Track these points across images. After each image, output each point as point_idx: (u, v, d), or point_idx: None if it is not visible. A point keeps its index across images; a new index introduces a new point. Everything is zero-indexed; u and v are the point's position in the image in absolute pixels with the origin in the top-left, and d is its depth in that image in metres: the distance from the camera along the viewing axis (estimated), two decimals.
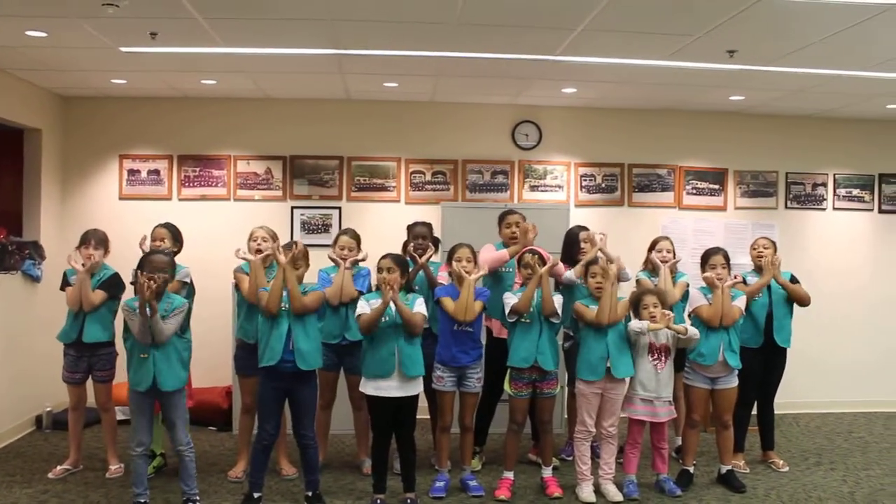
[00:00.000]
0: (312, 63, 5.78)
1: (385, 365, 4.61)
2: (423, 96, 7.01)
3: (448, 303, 4.90)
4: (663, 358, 4.94)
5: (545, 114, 7.33)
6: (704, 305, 5.13)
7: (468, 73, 6.05)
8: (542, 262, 4.91)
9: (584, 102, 7.17)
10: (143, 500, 4.51)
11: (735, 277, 5.26)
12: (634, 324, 4.89)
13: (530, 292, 4.82)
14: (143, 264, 4.49)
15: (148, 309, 4.27)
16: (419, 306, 4.70)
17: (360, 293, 5.07)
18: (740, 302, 5.18)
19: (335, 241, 5.29)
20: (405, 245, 5.46)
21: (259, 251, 4.92)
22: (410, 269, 5.23)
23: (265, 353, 4.52)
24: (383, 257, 4.74)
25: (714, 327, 5.06)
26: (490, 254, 5.32)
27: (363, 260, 5.27)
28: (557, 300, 4.93)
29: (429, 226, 5.51)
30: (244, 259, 4.92)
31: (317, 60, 5.68)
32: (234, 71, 6.05)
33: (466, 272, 4.89)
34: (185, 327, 4.63)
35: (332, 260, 5.21)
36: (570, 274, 5.31)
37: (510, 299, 4.92)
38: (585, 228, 5.63)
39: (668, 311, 4.91)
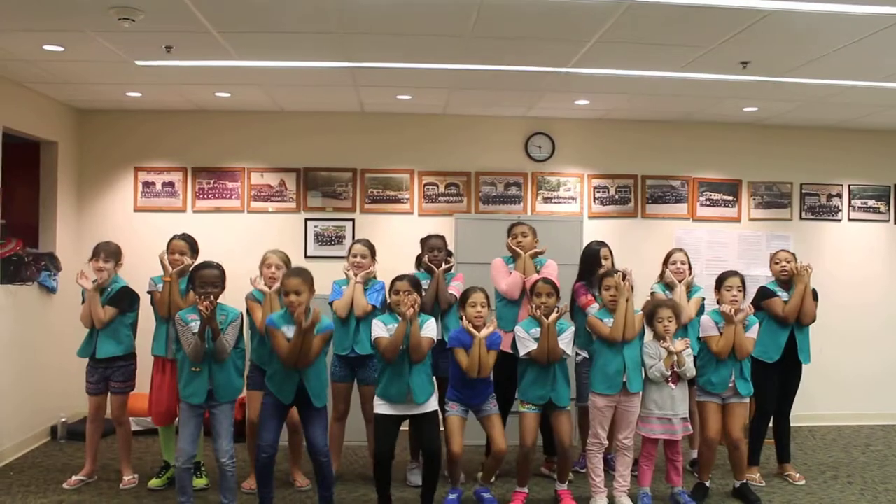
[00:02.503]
0: (326, 76, 5.81)
1: (398, 394, 4.62)
2: (436, 109, 7.03)
3: (461, 356, 4.80)
4: (674, 376, 4.91)
5: (558, 126, 7.34)
6: (715, 337, 5.03)
7: (481, 85, 6.06)
8: (555, 290, 4.88)
9: (597, 114, 7.17)
10: None
11: (749, 308, 5.09)
12: (654, 366, 4.89)
13: (543, 346, 4.76)
14: (194, 280, 4.52)
15: (210, 330, 4.38)
16: (430, 329, 4.67)
17: (374, 307, 5.07)
18: (753, 332, 5.09)
19: (349, 251, 5.31)
20: (419, 258, 5.46)
21: (273, 279, 4.94)
22: (428, 284, 5.23)
23: (278, 392, 4.52)
24: (399, 279, 4.70)
25: (724, 359, 5.02)
26: (503, 277, 5.32)
27: (374, 274, 5.26)
28: (567, 337, 4.86)
29: (442, 238, 5.51)
30: (259, 289, 4.95)
31: (330, 73, 5.71)
32: (249, 84, 6.09)
33: (476, 328, 4.79)
34: (239, 337, 4.64)
35: (346, 274, 5.22)
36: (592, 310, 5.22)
37: (523, 336, 4.87)
38: (605, 245, 5.60)
39: (686, 339, 4.90)
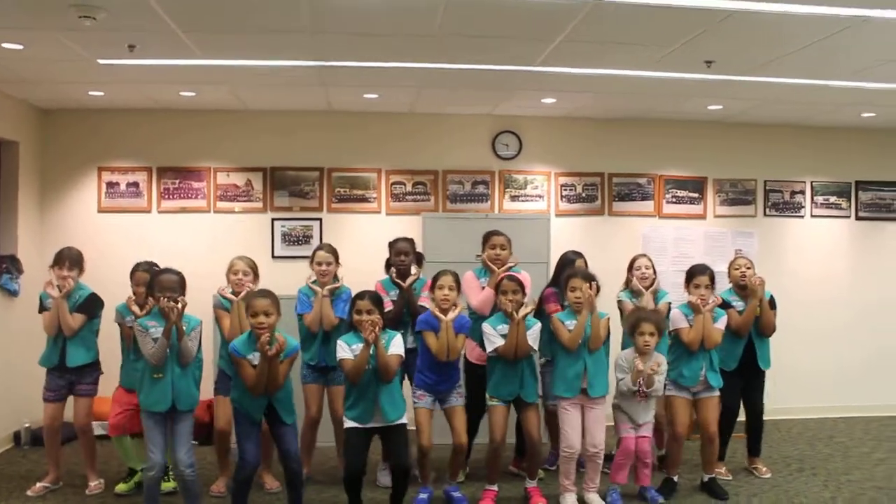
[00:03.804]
0: (292, 75, 5.76)
1: (365, 413, 4.52)
2: (403, 107, 7.01)
3: (431, 339, 4.81)
4: (642, 393, 4.93)
5: (525, 124, 7.36)
6: (685, 329, 5.10)
7: (449, 84, 6.06)
8: (521, 287, 4.88)
9: (564, 112, 7.20)
10: None
11: (715, 299, 5.17)
12: (623, 380, 4.94)
13: (512, 342, 4.78)
14: (155, 286, 4.48)
15: (175, 331, 4.34)
16: (396, 346, 4.56)
17: (341, 320, 5.03)
18: (721, 324, 5.15)
19: (312, 257, 5.28)
20: (388, 263, 5.43)
21: (240, 285, 4.91)
22: (396, 298, 5.19)
23: (247, 412, 4.48)
24: (359, 297, 4.56)
25: (695, 351, 5.08)
26: (475, 294, 5.25)
27: (340, 283, 5.22)
28: (534, 332, 4.88)
29: (411, 241, 5.47)
30: (226, 298, 4.91)
31: (297, 72, 5.67)
32: (214, 83, 6.03)
33: (443, 310, 4.80)
34: (197, 347, 4.60)
35: (311, 288, 5.18)
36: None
37: (490, 332, 4.87)
38: (581, 255, 5.60)
39: (657, 361, 4.93)
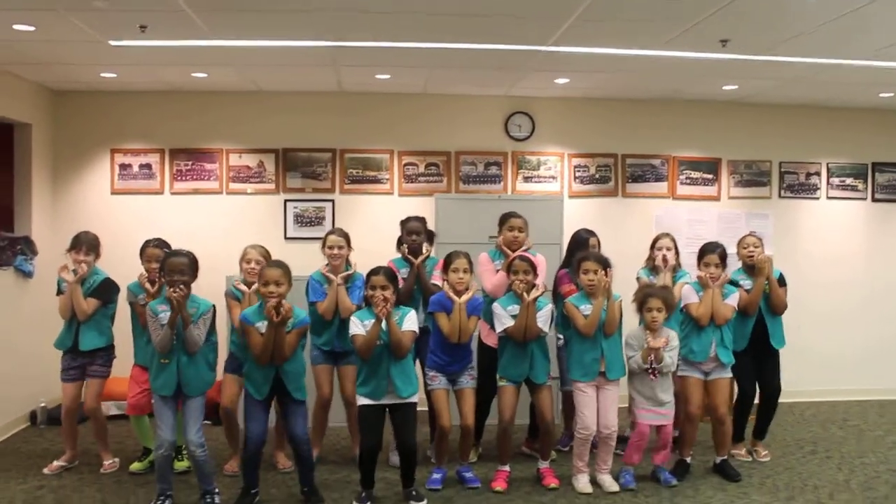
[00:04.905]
0: (303, 55, 5.74)
1: (378, 389, 4.55)
2: (415, 88, 6.98)
3: (443, 321, 4.83)
4: (655, 370, 4.92)
5: (538, 105, 7.31)
6: (694, 304, 5.11)
7: (460, 64, 6.02)
8: (532, 268, 4.85)
9: (578, 93, 7.15)
10: (168, 493, 4.52)
11: (725, 276, 5.17)
12: (633, 357, 4.93)
13: (521, 323, 4.77)
14: (163, 268, 4.49)
15: (181, 320, 4.36)
16: (410, 323, 4.59)
17: (358, 307, 5.01)
18: (732, 300, 5.15)
19: (324, 241, 5.25)
20: (399, 241, 5.41)
21: (253, 274, 4.88)
22: (407, 274, 5.19)
23: (254, 390, 4.52)
24: (374, 273, 4.59)
25: (704, 325, 5.06)
26: (489, 277, 5.23)
27: (352, 273, 5.19)
28: (544, 314, 4.86)
29: (422, 220, 5.46)
30: (239, 289, 4.91)
31: (308, 53, 5.65)
32: (225, 64, 6.01)
33: (458, 293, 4.82)
34: (210, 330, 4.61)
35: (325, 276, 5.15)
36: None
37: (500, 312, 4.86)
38: (593, 234, 5.61)
39: (665, 338, 4.90)
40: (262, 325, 4.41)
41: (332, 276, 5.13)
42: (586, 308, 4.87)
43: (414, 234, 5.35)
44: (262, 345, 4.39)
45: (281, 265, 4.48)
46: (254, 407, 4.55)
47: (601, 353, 4.87)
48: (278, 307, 4.32)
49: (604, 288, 4.82)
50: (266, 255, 5.07)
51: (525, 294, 4.75)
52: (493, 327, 4.98)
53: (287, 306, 4.36)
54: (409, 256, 5.27)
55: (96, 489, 4.90)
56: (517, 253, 5.09)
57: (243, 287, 4.97)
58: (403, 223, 5.45)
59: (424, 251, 5.33)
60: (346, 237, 5.26)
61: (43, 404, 6.36)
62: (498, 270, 5.22)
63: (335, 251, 5.17)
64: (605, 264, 4.90)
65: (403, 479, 4.73)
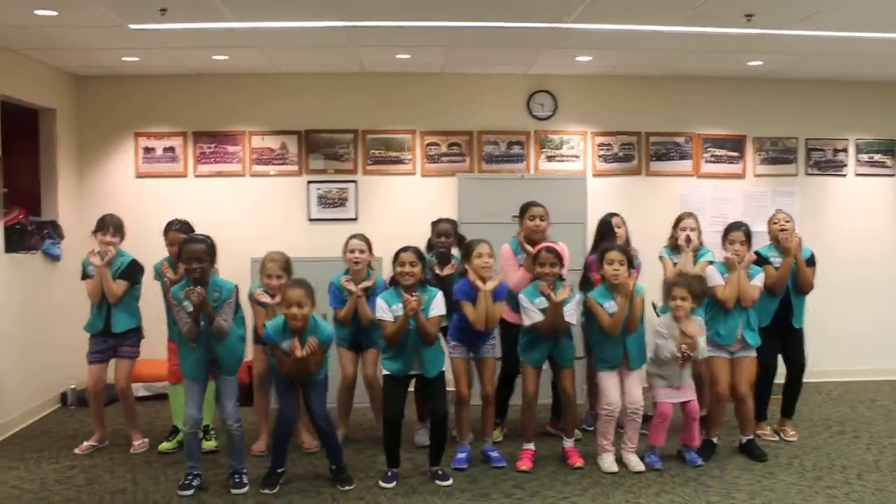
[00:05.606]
0: (323, 36, 5.73)
1: (405, 367, 4.61)
2: (435, 67, 6.94)
3: (469, 309, 4.80)
4: (688, 358, 4.88)
5: (560, 83, 7.25)
6: (720, 286, 5.06)
7: (480, 42, 5.98)
8: (559, 259, 4.81)
9: (600, 70, 7.08)
10: (196, 472, 4.57)
11: (750, 256, 5.11)
12: (664, 345, 4.87)
13: (549, 320, 4.74)
14: (181, 254, 4.50)
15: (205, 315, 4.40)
16: (437, 306, 4.60)
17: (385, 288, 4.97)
18: (758, 280, 5.10)
19: (345, 246, 5.20)
20: (429, 243, 5.36)
21: (273, 288, 4.82)
22: (430, 278, 5.13)
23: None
24: (403, 251, 4.59)
25: (730, 308, 5.02)
26: (512, 272, 5.17)
27: (373, 283, 5.11)
28: (572, 306, 4.82)
29: (453, 223, 5.42)
30: (262, 301, 4.85)
31: (327, 33, 5.63)
32: (245, 46, 6.01)
33: (482, 278, 4.78)
34: (237, 307, 4.62)
35: (346, 288, 5.08)
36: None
37: (528, 306, 4.81)
38: (616, 214, 5.59)
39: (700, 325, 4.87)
40: (286, 345, 4.42)
41: (351, 286, 5.07)
42: (610, 305, 4.82)
43: (444, 235, 5.29)
44: (288, 366, 4.46)
45: (303, 284, 4.44)
46: (284, 390, 4.61)
47: (623, 347, 4.86)
48: (303, 339, 4.35)
49: (626, 288, 4.76)
50: (286, 265, 4.93)
51: (553, 295, 4.69)
52: (514, 309, 4.96)
53: (313, 345, 4.36)
54: (437, 271, 5.16)
55: (126, 469, 4.97)
56: (542, 245, 5.02)
57: (266, 298, 4.85)
58: (434, 224, 5.42)
59: (451, 263, 5.22)
60: (368, 242, 5.21)
61: (73, 386, 6.45)
62: (521, 266, 5.19)
63: (356, 255, 5.12)
64: (630, 261, 4.85)
65: (431, 455, 4.76)
